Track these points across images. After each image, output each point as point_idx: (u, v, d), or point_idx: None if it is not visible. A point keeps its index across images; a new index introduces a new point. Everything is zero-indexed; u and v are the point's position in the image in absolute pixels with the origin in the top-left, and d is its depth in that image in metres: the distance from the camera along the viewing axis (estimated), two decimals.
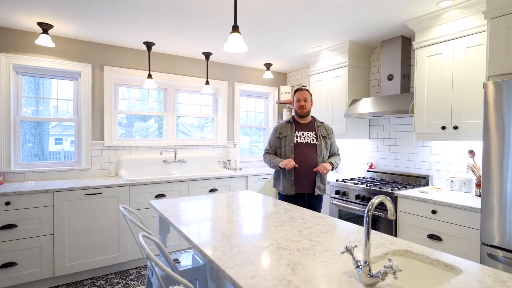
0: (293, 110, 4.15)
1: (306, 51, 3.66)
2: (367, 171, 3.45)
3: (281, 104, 4.79)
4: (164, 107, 4.00)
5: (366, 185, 2.84)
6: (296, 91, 2.50)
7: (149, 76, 3.48)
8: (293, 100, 2.51)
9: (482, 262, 1.94)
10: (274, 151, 2.54)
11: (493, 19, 1.93)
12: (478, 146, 2.51)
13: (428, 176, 2.85)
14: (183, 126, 4.14)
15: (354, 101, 3.30)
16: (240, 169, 4.25)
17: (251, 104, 4.80)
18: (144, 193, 3.12)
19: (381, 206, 2.66)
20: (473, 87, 2.25)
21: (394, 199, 2.55)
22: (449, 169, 2.73)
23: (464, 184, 2.52)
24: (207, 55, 3.84)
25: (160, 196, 3.20)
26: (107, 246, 2.94)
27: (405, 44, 2.98)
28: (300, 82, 4.46)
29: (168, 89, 3.99)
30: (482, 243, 1.93)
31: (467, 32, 2.27)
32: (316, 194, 2.41)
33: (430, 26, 2.51)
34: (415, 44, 2.63)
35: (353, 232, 1.52)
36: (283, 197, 2.45)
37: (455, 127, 2.34)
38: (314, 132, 2.46)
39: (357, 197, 2.87)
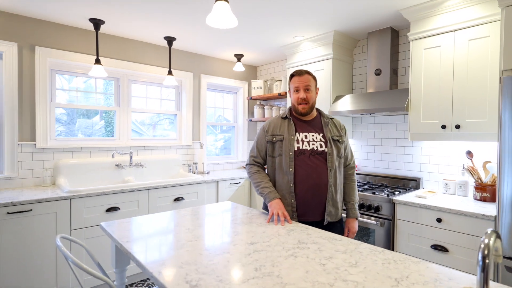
0: (288, 103, 3.70)
1: (284, 41, 3.29)
2: None
3: (252, 100, 4.38)
4: (116, 100, 3.34)
5: (358, 190, 2.56)
6: (292, 76, 1.68)
7: (97, 61, 2.82)
8: (288, 90, 1.72)
9: (496, 274, 1.75)
10: (263, 159, 1.75)
11: (509, 7, 1.74)
12: (478, 147, 2.37)
13: (419, 178, 2.67)
14: (134, 124, 3.51)
15: (338, 98, 3.02)
16: (208, 172, 3.75)
17: (219, 100, 4.31)
18: (92, 207, 2.49)
19: (376, 212, 2.39)
20: (477, 83, 2.07)
21: (392, 206, 2.30)
22: (441, 170, 2.57)
23: (460, 187, 2.36)
24: (170, 40, 3.28)
25: (112, 210, 2.59)
26: (42, 279, 2.26)
27: (393, 37, 2.77)
28: (273, 77, 4.10)
29: (121, 79, 3.34)
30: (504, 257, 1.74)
31: (470, 23, 2.08)
32: (325, 223, 1.64)
33: (428, 16, 2.29)
34: (410, 36, 2.40)
35: (389, 261, 1.17)
36: None
37: (457, 126, 2.15)
38: (322, 134, 1.67)
39: None
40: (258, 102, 4.34)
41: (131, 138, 3.42)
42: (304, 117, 1.71)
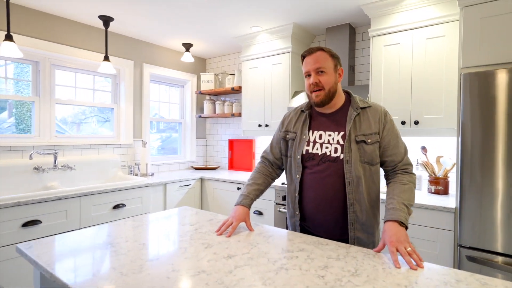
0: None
1: (240, 31, 3.08)
2: None
3: (201, 94, 4.06)
4: (35, 89, 2.72)
5: None
6: (302, 57, 1.29)
7: (8, 37, 2.23)
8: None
9: (458, 264, 1.80)
10: (274, 157, 1.44)
11: (467, 7, 1.81)
12: (431, 142, 2.47)
13: None
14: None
15: (297, 93, 2.92)
16: (152, 174, 3.33)
17: (163, 93, 3.89)
18: (3, 222, 1.93)
19: None
20: (434, 81, 2.15)
21: None
22: None
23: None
24: (106, 20, 2.79)
25: (32, 224, 2.05)
26: None
27: (351, 33, 2.78)
28: (225, 70, 3.85)
29: (42, 63, 2.73)
30: (460, 246, 1.80)
31: (428, 22, 2.15)
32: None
33: (388, 13, 2.32)
34: (370, 32, 2.41)
35: (389, 266, 1.03)
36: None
37: (416, 122, 2.21)
38: (342, 132, 1.26)
39: None
40: (208, 97, 4.04)
41: (55, 135, 2.82)
42: (324, 108, 1.30)
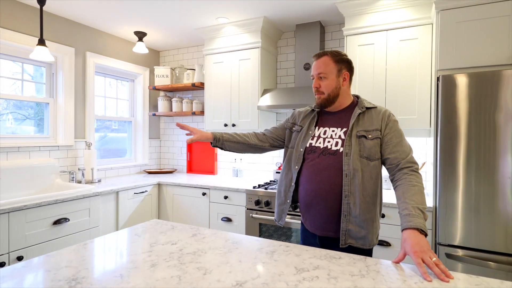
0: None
1: (204, 22, 2.82)
2: (276, 172, 3.03)
3: (155, 90, 3.66)
4: None
5: None
6: (313, 60, 1.36)
7: None
8: None
9: None
10: (267, 135, 1.50)
11: (444, 11, 1.87)
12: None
13: None
14: None
15: (266, 91, 2.77)
16: (99, 180, 2.87)
17: (109, 88, 3.41)
18: None
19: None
20: (407, 83, 2.19)
21: None
22: None
23: (385, 181, 2.49)
24: None
25: None
26: None
27: (321, 32, 2.73)
28: (182, 64, 3.52)
29: None
30: (439, 244, 1.84)
31: (402, 24, 2.19)
32: (342, 244, 1.25)
33: (362, 13, 2.31)
34: (345, 31, 2.38)
35: (419, 278, 0.93)
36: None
37: None
38: (345, 129, 1.31)
39: None
40: (163, 93, 3.67)
41: None
42: (330, 108, 1.36)
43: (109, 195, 2.54)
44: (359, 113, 1.30)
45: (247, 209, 2.53)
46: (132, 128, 3.63)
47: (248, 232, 2.51)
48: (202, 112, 3.26)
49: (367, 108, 1.32)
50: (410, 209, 1.10)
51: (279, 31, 2.98)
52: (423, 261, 0.97)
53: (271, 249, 1.17)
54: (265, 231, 2.46)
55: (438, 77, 1.84)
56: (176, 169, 3.61)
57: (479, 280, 0.94)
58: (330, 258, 1.09)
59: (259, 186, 2.62)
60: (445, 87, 1.78)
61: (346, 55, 1.34)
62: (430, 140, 2.19)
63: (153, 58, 3.74)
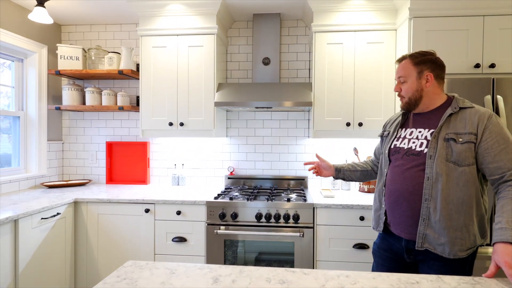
0: None
1: None
2: (228, 178, 2.69)
3: (59, 76, 2.74)
4: None
5: (251, 198, 2.12)
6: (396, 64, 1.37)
7: None
8: None
9: None
10: (377, 158, 1.59)
11: (416, 18, 1.96)
12: (361, 144, 2.59)
13: (306, 177, 2.62)
14: None
15: (222, 86, 2.41)
16: None
17: None
18: None
19: (295, 221, 2.06)
20: (374, 85, 2.24)
21: (313, 211, 2.06)
22: None
23: (346, 182, 2.51)
24: None
25: None
26: None
27: (280, 26, 2.55)
28: (99, 45, 2.73)
29: None
30: None
31: (369, 27, 2.21)
32: (417, 246, 1.20)
33: (332, 10, 2.24)
34: (314, 27, 2.26)
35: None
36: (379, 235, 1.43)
37: (360, 124, 2.24)
38: (432, 130, 1.23)
39: (259, 217, 2.07)
40: (70, 81, 2.79)
41: None
42: (418, 109, 1.31)
43: (4, 225, 1.69)
44: (450, 114, 1.21)
45: (208, 224, 2.12)
46: (21, 126, 2.62)
47: (210, 252, 2.12)
48: (134, 107, 2.61)
49: (462, 108, 1.21)
50: (503, 223, 1.02)
51: (231, 19, 2.64)
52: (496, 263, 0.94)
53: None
54: (230, 248, 2.11)
55: None
56: (90, 180, 2.80)
57: None
58: (410, 284, 0.91)
59: (219, 195, 2.24)
60: None
61: (430, 54, 1.26)
62: None
63: (52, 33, 2.79)
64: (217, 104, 2.29)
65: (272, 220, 2.07)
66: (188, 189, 2.54)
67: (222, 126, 2.58)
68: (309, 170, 1.67)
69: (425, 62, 1.26)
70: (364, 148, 2.58)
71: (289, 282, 0.96)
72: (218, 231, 2.08)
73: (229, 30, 2.72)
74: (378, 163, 1.51)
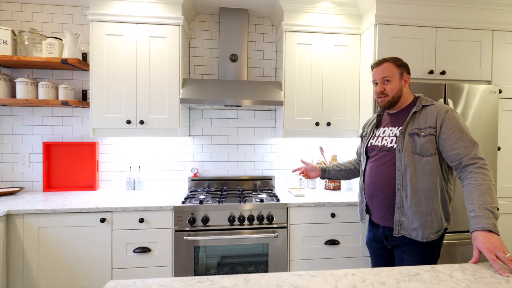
0: None
1: None
2: (192, 180, 2.52)
3: None
4: None
5: (222, 200, 2.03)
6: (372, 68, 1.48)
7: None
8: None
9: None
10: (358, 157, 1.76)
11: (381, 25, 2.08)
12: (326, 143, 2.65)
13: (273, 177, 2.59)
14: None
15: (187, 82, 2.24)
16: None
17: None
18: None
19: (269, 222, 2.02)
20: (341, 86, 2.31)
21: (286, 211, 2.04)
22: (292, 166, 2.65)
23: (312, 180, 2.56)
24: None
25: None
26: None
27: (248, 23, 2.48)
28: (34, 28, 2.30)
29: None
30: None
31: (337, 30, 2.28)
32: (395, 233, 1.36)
33: (302, 11, 2.25)
34: (284, 26, 2.24)
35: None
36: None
37: (328, 124, 2.29)
38: (401, 127, 1.40)
39: (232, 219, 1.97)
40: None
41: None
42: (391, 109, 1.48)
43: None
44: (415, 112, 1.38)
45: (176, 231, 1.95)
46: None
47: (178, 261, 1.95)
48: (81, 103, 2.27)
49: (424, 106, 1.38)
50: (477, 211, 1.11)
51: (195, 10, 2.48)
52: (498, 257, 1.00)
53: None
54: (200, 255, 1.97)
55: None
56: (22, 188, 2.36)
57: None
58: (414, 275, 0.94)
59: (186, 199, 2.08)
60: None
61: (402, 60, 1.45)
62: (358, 141, 2.39)
63: None
64: (183, 101, 2.13)
65: (246, 222, 2.00)
66: (147, 194, 2.31)
67: (185, 125, 2.41)
68: (298, 174, 1.85)
69: (403, 66, 1.44)
70: (330, 148, 2.66)
71: (302, 286, 0.91)
72: (188, 237, 1.92)
73: (192, 23, 2.56)
74: (360, 161, 1.68)
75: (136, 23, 2.15)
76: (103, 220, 1.91)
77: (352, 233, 2.09)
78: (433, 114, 1.33)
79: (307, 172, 1.73)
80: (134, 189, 2.48)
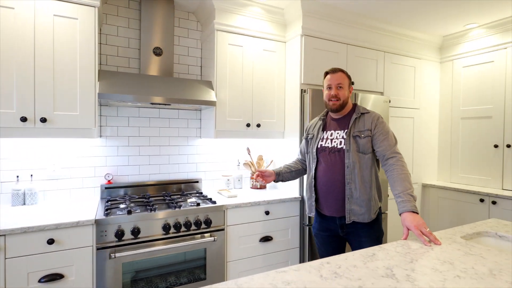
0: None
1: None
2: (106, 188, 2.17)
3: None
4: None
5: (153, 208, 1.89)
6: (326, 74, 1.68)
7: None
8: (323, 87, 1.71)
9: (303, 240, 2.26)
10: (303, 157, 1.87)
11: (306, 36, 2.28)
12: (252, 144, 2.68)
13: (200, 179, 2.49)
14: None
15: (104, 74, 1.93)
16: None
17: None
18: None
19: (207, 226, 1.94)
20: (269, 89, 2.42)
21: (223, 213, 2.00)
22: (217, 168, 2.60)
23: (238, 180, 2.58)
24: None
25: None
26: None
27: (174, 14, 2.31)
28: None
29: None
30: (304, 224, 2.26)
31: (265, 35, 2.37)
32: (347, 221, 1.58)
33: (234, 12, 2.24)
34: (216, 24, 2.18)
35: (438, 247, 1.19)
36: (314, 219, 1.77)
37: (258, 125, 2.36)
38: (346, 130, 1.63)
39: (168, 228, 1.80)
40: None
41: None
42: (336, 115, 1.69)
43: None
44: (356, 118, 1.64)
45: (99, 248, 1.66)
46: None
47: (101, 283, 1.66)
48: None
49: (362, 114, 1.65)
50: (402, 196, 1.41)
51: None
52: (422, 232, 1.28)
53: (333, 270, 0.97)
54: (130, 272, 1.74)
55: (305, 90, 2.23)
56: None
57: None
58: (367, 257, 1.10)
59: (108, 210, 1.80)
60: (313, 98, 2.20)
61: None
62: (283, 141, 2.54)
63: None
64: (102, 96, 1.82)
65: (183, 228, 1.87)
66: (44, 209, 1.86)
67: (98, 122, 2.06)
68: (256, 181, 2.03)
69: (350, 78, 1.70)
70: (256, 148, 2.74)
71: (293, 282, 0.94)
72: (116, 254, 1.66)
73: (104, 6, 2.21)
74: (305, 160, 1.82)
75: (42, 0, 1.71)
76: None
77: (283, 228, 2.23)
78: (369, 120, 1.62)
79: (264, 178, 1.77)
80: (24, 204, 1.97)
